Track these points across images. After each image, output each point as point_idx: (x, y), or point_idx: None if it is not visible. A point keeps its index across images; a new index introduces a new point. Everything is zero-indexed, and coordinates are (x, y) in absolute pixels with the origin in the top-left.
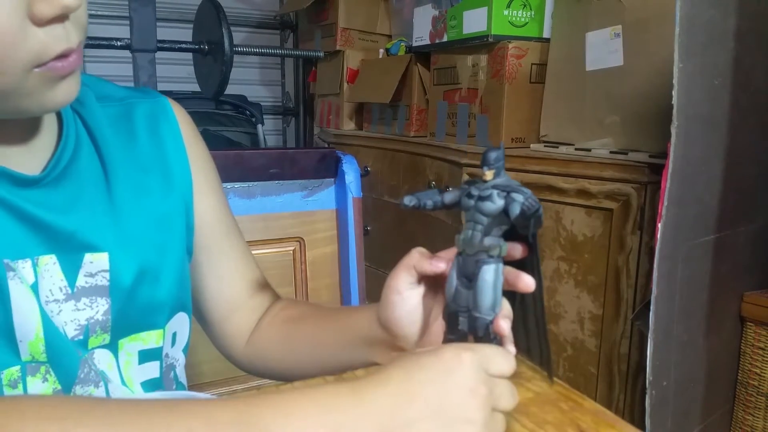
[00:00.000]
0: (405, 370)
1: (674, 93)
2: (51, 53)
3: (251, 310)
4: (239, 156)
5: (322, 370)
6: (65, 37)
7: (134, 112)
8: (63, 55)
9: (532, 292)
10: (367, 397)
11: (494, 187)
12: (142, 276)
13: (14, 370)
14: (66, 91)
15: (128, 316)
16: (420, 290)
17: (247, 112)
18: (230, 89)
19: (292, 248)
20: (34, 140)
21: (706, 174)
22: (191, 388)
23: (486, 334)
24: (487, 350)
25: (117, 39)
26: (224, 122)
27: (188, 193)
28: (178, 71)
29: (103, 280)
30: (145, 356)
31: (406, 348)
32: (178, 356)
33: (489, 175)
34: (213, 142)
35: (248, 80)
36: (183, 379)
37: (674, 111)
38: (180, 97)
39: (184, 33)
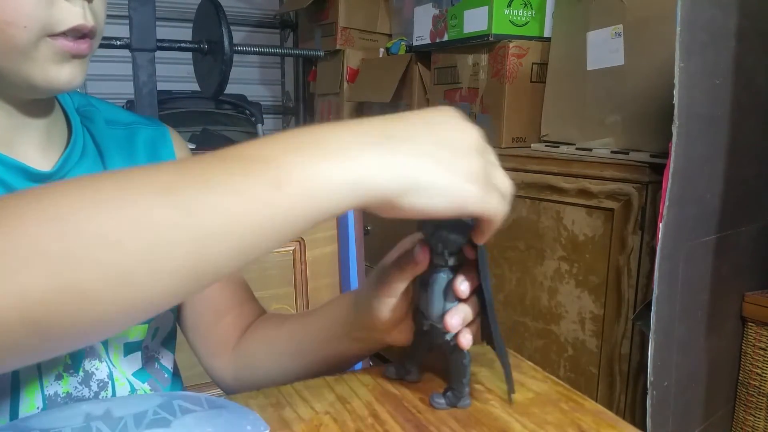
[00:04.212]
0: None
1: (675, 92)
2: (68, 23)
3: (237, 317)
4: None
5: (307, 370)
6: (83, 15)
7: (137, 136)
8: (77, 35)
9: (483, 308)
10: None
11: None
12: None
13: None
14: (71, 73)
15: None
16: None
17: (247, 112)
18: (230, 88)
19: (292, 248)
20: (47, 142)
21: (707, 174)
22: (191, 388)
23: (444, 342)
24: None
25: (116, 38)
26: (224, 122)
27: None
28: (178, 70)
29: None
30: (129, 348)
31: (380, 333)
32: (158, 349)
33: None
34: (213, 141)
35: (248, 79)
36: (172, 369)
37: (675, 110)
38: (179, 97)
39: (184, 32)
